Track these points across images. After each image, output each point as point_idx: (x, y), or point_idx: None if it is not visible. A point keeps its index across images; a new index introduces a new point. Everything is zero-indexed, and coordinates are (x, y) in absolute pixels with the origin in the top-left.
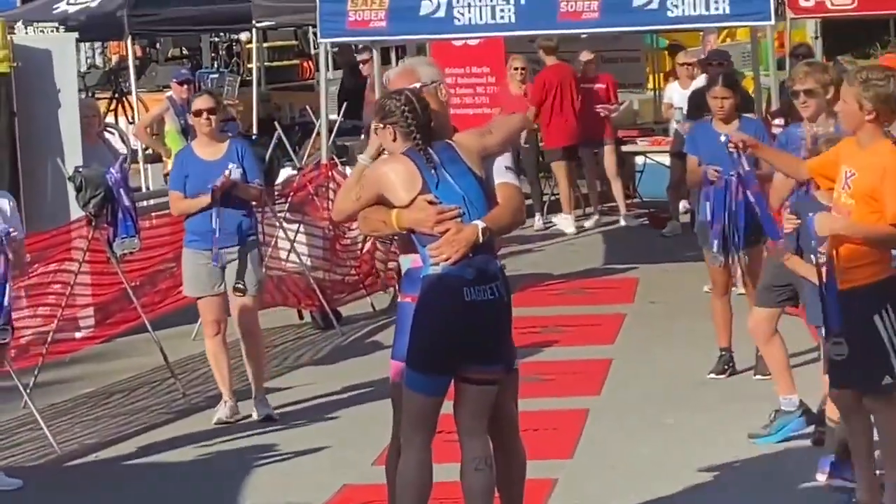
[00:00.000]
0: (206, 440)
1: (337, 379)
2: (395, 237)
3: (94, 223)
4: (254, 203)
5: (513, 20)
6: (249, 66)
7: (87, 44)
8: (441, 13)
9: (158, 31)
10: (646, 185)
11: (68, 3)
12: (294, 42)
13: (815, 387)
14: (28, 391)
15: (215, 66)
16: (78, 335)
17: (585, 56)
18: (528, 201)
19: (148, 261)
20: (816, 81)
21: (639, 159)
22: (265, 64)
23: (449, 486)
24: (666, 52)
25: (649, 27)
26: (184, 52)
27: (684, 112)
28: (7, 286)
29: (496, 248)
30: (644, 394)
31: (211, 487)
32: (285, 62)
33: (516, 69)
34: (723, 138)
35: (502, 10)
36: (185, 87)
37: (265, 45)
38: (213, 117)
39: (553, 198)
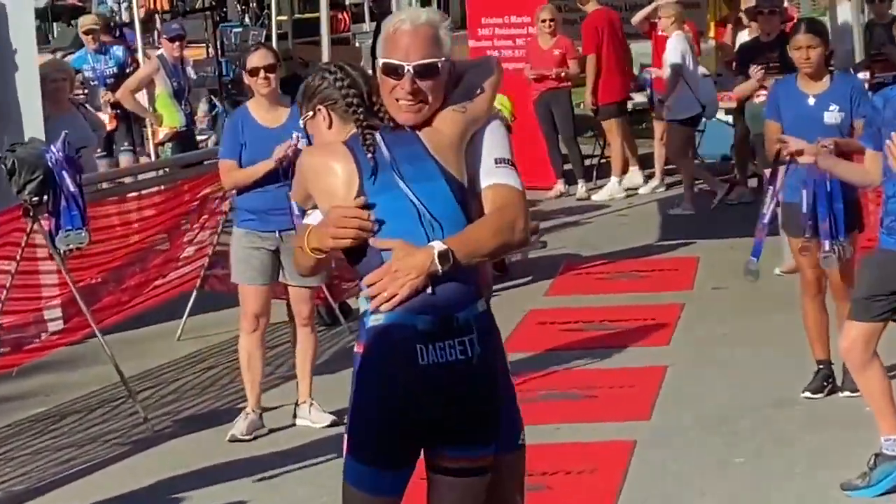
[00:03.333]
0: (168, 483)
1: (345, 386)
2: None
3: (32, 213)
4: None
5: None
6: (280, 18)
7: None
8: None
9: None
10: (707, 146)
11: None
12: None
13: None
14: None
15: (245, 19)
16: (36, 341)
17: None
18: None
19: (116, 251)
20: None
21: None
22: (295, 16)
23: None
24: None
25: None
26: (211, 3)
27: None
28: None
29: (481, 282)
30: (706, 419)
31: None
32: (317, 13)
33: (544, 21)
34: (811, 101)
35: None
36: (177, 44)
37: None
38: (272, 76)
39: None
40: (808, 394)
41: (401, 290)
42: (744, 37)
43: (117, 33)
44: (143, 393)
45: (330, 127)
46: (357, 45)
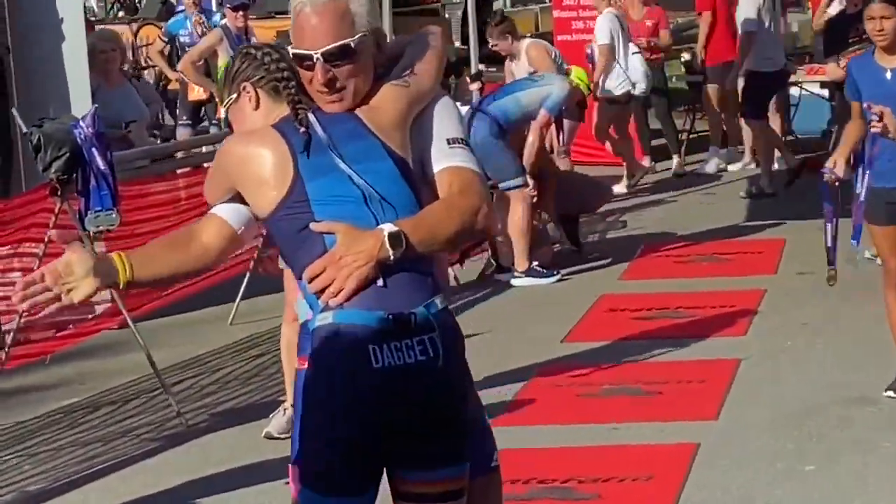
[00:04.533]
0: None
1: None
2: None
3: (59, 192)
4: None
5: None
6: None
7: None
8: None
9: None
10: (802, 121)
11: None
12: None
13: None
14: None
15: None
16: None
17: None
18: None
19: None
20: None
21: (794, 91)
22: None
23: None
24: None
25: None
26: None
27: None
28: None
29: (440, 274)
30: (777, 420)
31: None
32: None
33: None
34: (889, 75)
35: None
36: (241, 13)
37: None
38: None
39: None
40: (890, 393)
41: (348, 280)
42: (836, 7)
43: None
44: (185, 382)
45: (257, 108)
46: (447, 15)
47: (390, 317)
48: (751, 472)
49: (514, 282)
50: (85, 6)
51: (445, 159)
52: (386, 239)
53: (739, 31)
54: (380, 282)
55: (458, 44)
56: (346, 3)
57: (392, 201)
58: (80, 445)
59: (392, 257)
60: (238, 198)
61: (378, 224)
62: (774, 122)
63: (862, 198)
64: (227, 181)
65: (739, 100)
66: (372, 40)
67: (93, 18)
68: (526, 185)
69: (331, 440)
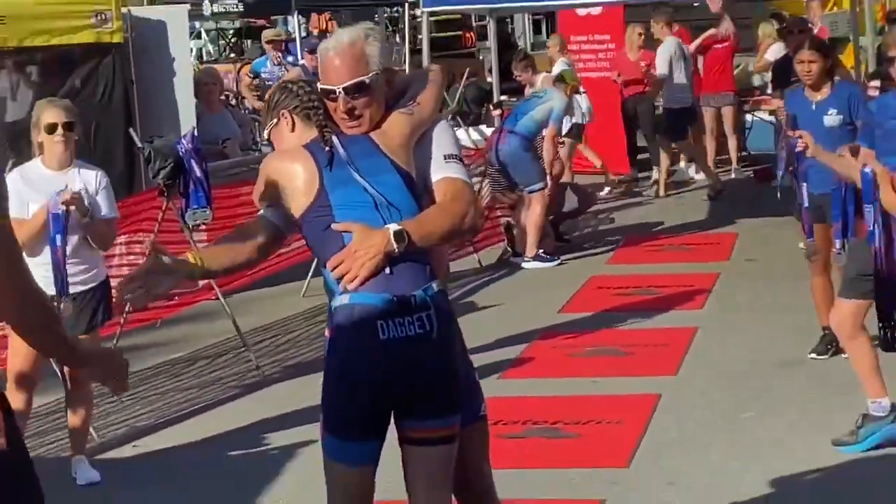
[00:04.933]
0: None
1: None
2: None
3: (165, 194)
4: None
5: None
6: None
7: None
8: None
9: (320, 6)
10: (754, 141)
11: None
12: (458, 15)
13: None
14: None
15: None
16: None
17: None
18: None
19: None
20: None
21: (748, 116)
22: (431, 35)
23: None
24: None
25: None
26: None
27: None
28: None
29: (437, 266)
30: (724, 376)
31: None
32: (449, 33)
33: (640, 35)
34: (814, 106)
35: None
36: (315, 55)
37: (431, 18)
38: None
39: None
40: (813, 355)
41: (362, 269)
42: (776, 50)
43: (283, 46)
44: (264, 342)
45: (293, 130)
46: (481, 57)
47: (394, 298)
48: (700, 418)
49: (524, 265)
50: (203, 49)
51: (442, 171)
52: (392, 236)
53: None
54: (387, 270)
55: (489, 79)
56: (362, 47)
57: (398, 206)
58: (180, 391)
59: (396, 251)
60: (279, 202)
61: (385, 224)
62: (732, 141)
63: (805, 204)
64: (269, 189)
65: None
66: (383, 77)
67: (208, 58)
68: (546, 188)
69: (348, 397)
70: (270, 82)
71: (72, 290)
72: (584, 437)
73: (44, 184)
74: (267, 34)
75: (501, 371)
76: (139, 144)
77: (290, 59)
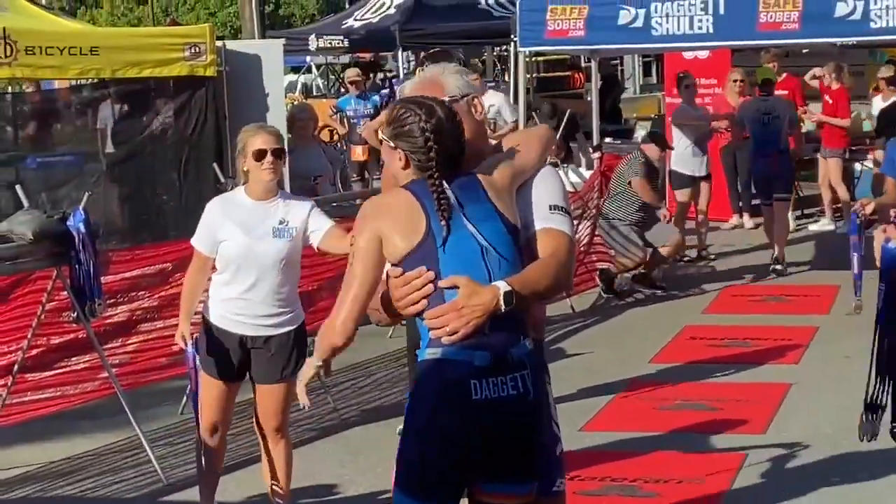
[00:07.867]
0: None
1: None
2: None
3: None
4: None
5: (711, 31)
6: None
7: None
8: (639, 23)
9: (425, 43)
10: (863, 190)
11: (355, 20)
12: (566, 56)
13: None
14: None
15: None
16: None
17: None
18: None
19: (331, 264)
20: None
21: (857, 165)
22: (540, 74)
23: None
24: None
25: (850, 38)
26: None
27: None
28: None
29: (533, 323)
30: (815, 437)
31: None
32: (558, 73)
33: (735, 81)
34: None
35: (700, 21)
36: None
37: (541, 58)
38: None
39: None
40: None
41: (466, 326)
42: (877, 101)
43: (386, 84)
44: (345, 384)
45: (405, 167)
46: (588, 98)
47: (491, 356)
48: (785, 480)
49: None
50: (312, 84)
51: (546, 221)
52: (501, 297)
53: None
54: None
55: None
56: (437, 76)
57: (505, 257)
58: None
59: (503, 310)
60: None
61: (490, 277)
62: (841, 190)
63: (856, 271)
64: (368, 228)
65: None
66: (463, 103)
67: (317, 93)
68: None
69: (432, 457)
70: (355, 121)
71: (265, 332)
72: (663, 497)
73: (244, 214)
74: (349, 74)
75: (583, 423)
76: (222, 180)
77: (373, 98)
